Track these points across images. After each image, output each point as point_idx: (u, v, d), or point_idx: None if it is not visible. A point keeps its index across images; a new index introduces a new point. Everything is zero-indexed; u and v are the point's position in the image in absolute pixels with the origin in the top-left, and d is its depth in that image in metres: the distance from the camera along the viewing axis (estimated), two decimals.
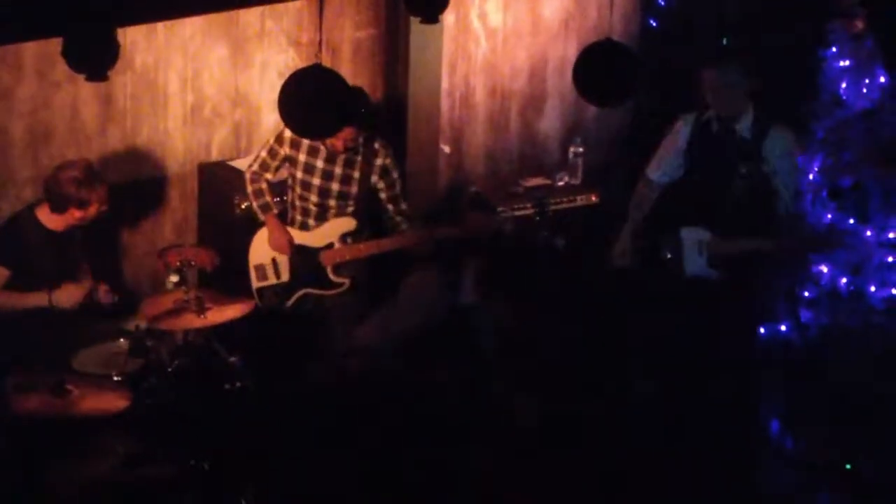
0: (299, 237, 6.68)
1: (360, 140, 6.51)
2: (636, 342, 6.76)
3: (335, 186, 6.59)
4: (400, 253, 6.66)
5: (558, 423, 6.21)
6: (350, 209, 6.63)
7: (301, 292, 6.71)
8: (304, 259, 6.67)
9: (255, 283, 6.74)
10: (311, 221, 6.67)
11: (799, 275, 7.37)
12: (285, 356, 6.55)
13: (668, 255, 6.51)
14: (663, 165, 6.61)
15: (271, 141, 6.66)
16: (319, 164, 6.57)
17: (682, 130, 6.52)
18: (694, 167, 6.48)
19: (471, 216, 7.08)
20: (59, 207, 6.11)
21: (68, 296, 6.15)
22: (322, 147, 6.52)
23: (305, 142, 6.54)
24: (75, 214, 6.12)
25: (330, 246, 6.65)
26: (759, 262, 6.55)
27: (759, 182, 6.28)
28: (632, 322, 6.76)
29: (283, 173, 6.72)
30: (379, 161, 6.59)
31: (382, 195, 6.65)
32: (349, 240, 6.66)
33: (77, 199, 6.08)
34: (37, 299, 6.10)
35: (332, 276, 6.66)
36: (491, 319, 6.29)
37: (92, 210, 6.14)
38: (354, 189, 6.59)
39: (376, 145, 6.60)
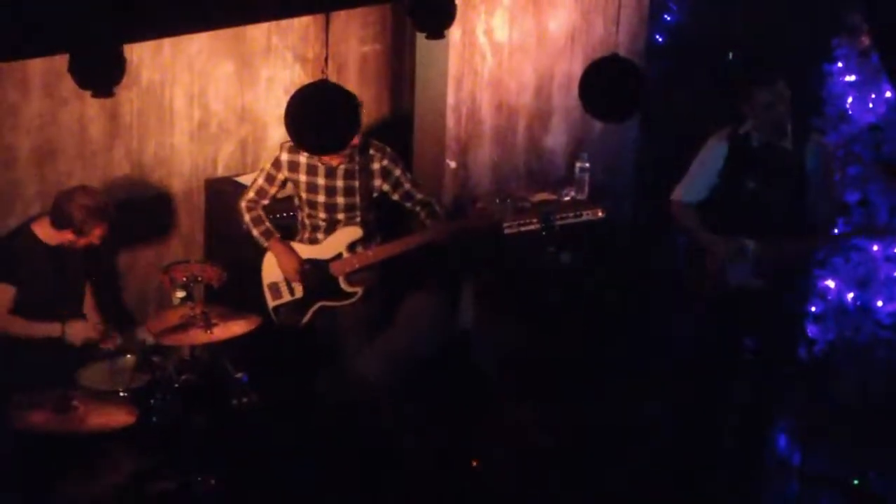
0: (308, 251, 6.68)
1: (355, 150, 6.51)
2: (651, 356, 6.78)
3: (340, 200, 6.60)
4: (410, 255, 6.65)
5: (562, 443, 6.21)
6: (357, 218, 6.64)
7: (316, 306, 6.71)
8: (315, 272, 6.68)
9: (271, 302, 6.74)
10: (319, 235, 6.68)
11: (801, 289, 7.37)
12: (295, 371, 6.55)
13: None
14: (697, 186, 6.51)
15: (268, 167, 6.64)
16: (321, 181, 6.57)
17: (717, 148, 6.44)
18: (735, 181, 6.41)
19: (471, 212, 7.12)
20: (58, 224, 6.12)
21: (79, 333, 6.16)
22: (319, 164, 6.52)
23: (303, 162, 6.53)
24: (67, 236, 6.13)
25: (339, 257, 6.66)
26: (801, 269, 6.57)
27: (802, 190, 6.28)
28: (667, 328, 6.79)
29: (288, 190, 6.72)
30: (376, 165, 6.58)
31: (394, 196, 6.64)
32: (357, 248, 6.67)
33: (77, 225, 6.08)
34: (49, 330, 6.11)
35: (344, 286, 6.67)
36: (491, 341, 6.26)
37: (83, 241, 6.15)
38: (358, 199, 6.60)
39: (371, 150, 6.58)
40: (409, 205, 6.67)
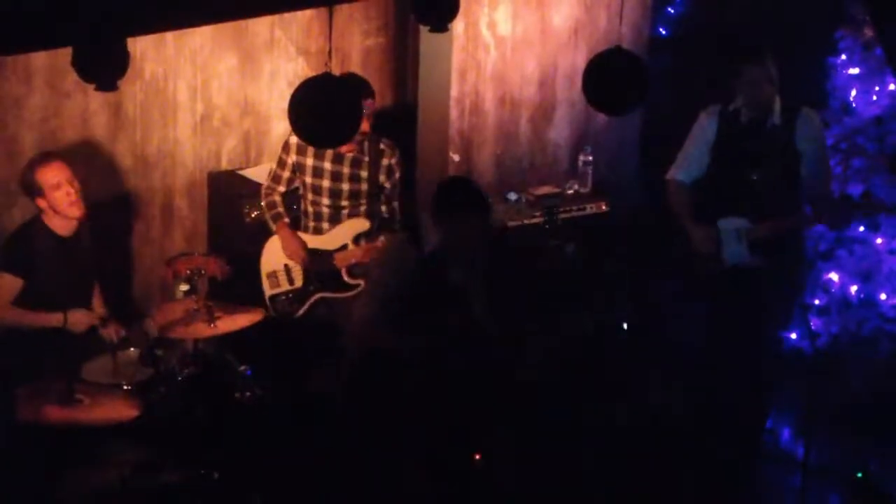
0: (313, 241, 6.71)
1: (365, 140, 6.55)
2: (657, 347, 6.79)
3: (345, 186, 6.64)
4: None
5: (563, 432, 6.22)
6: (363, 208, 6.68)
7: (315, 297, 6.73)
8: (317, 262, 6.70)
9: (268, 291, 6.76)
10: (324, 225, 6.71)
11: (804, 282, 7.37)
12: (297, 364, 6.56)
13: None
14: (690, 163, 6.59)
15: (279, 152, 6.71)
16: (327, 165, 6.62)
17: (708, 124, 6.51)
18: (725, 159, 6.47)
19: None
20: (31, 199, 6.17)
21: (82, 321, 6.20)
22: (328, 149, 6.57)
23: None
24: (41, 204, 6.15)
25: (344, 248, 6.68)
26: (797, 246, 6.57)
27: (793, 166, 6.32)
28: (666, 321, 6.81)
29: (296, 182, 6.75)
30: (385, 161, 6.67)
31: (382, 195, 6.72)
32: (362, 241, 6.68)
33: (30, 187, 6.13)
34: (51, 319, 6.13)
35: (346, 278, 6.69)
36: (482, 287, 6.25)
37: (53, 195, 6.12)
38: (364, 187, 6.65)
39: (382, 145, 6.67)
40: (383, 208, 6.76)
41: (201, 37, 7.03)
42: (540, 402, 6.17)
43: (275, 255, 6.74)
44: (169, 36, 6.90)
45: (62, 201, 6.14)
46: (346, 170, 6.63)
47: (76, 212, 6.18)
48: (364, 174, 6.63)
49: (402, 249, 6.19)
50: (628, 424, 6.50)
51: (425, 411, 5.93)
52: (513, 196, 7.75)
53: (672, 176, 6.67)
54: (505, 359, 6.14)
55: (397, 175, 6.73)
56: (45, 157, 6.23)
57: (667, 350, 6.82)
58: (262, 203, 6.77)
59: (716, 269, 6.50)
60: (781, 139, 6.33)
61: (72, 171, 6.19)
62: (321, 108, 5.03)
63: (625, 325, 6.94)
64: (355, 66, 7.52)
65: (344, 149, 6.56)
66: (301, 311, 6.75)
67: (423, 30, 6.98)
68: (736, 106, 6.43)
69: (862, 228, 7.38)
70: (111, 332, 6.26)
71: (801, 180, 6.35)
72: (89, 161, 6.80)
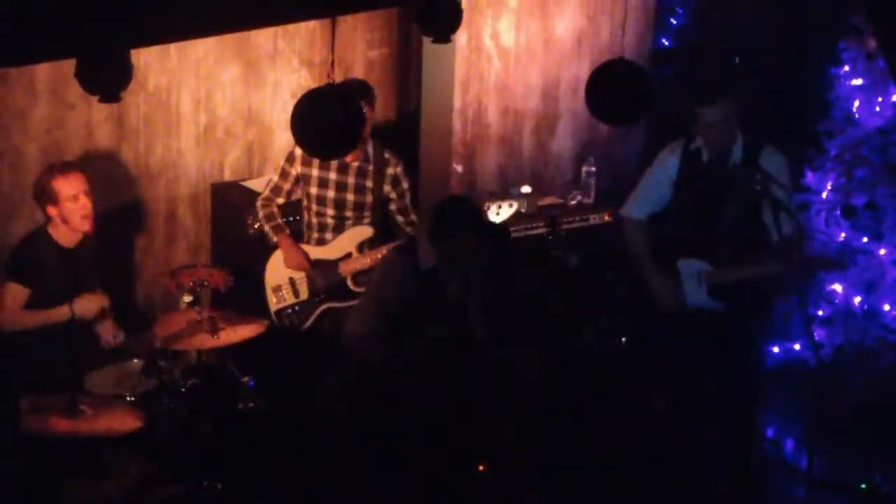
0: (317, 252, 6.71)
1: (370, 150, 6.56)
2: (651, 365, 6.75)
3: (350, 197, 6.65)
4: None
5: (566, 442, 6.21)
6: (367, 219, 6.69)
7: (322, 308, 6.73)
8: (322, 273, 6.69)
9: (274, 306, 6.75)
10: (328, 236, 6.72)
11: (807, 293, 7.34)
12: (300, 374, 6.55)
13: None
14: (647, 199, 6.49)
15: (282, 163, 6.71)
16: (332, 175, 6.63)
17: (669, 161, 6.43)
18: (685, 197, 6.39)
19: None
20: (41, 207, 6.15)
21: (88, 306, 6.18)
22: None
23: None
24: (52, 213, 6.14)
25: (348, 256, 6.68)
26: (761, 288, 6.48)
27: (753, 206, 6.19)
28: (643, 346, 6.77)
29: (298, 193, 6.76)
30: (390, 171, 6.68)
31: (392, 206, 6.74)
32: (366, 248, 6.69)
33: (43, 193, 6.10)
34: (60, 313, 6.13)
35: (352, 286, 6.69)
36: (480, 300, 6.23)
37: (67, 206, 6.12)
38: (369, 198, 6.65)
39: (386, 155, 6.69)
40: (401, 218, 6.76)
41: (205, 48, 7.05)
42: (538, 413, 6.17)
43: (279, 270, 6.74)
44: (172, 47, 6.91)
45: (76, 213, 6.14)
46: (350, 180, 6.64)
47: (86, 226, 6.18)
48: (369, 184, 6.64)
49: (405, 261, 6.18)
50: (626, 434, 6.50)
51: (423, 424, 5.93)
52: (515, 191, 7.73)
53: (627, 213, 6.56)
54: (502, 371, 6.12)
55: (405, 185, 6.73)
56: (65, 167, 6.21)
57: (660, 362, 6.78)
58: (260, 215, 6.75)
59: (677, 308, 6.42)
60: (744, 178, 6.16)
61: (89, 185, 6.19)
62: (323, 119, 5.03)
63: (623, 339, 6.91)
64: (358, 77, 7.53)
65: (349, 158, 6.58)
66: (308, 323, 6.75)
67: (427, 41, 6.98)
68: (697, 145, 6.35)
69: (865, 239, 7.38)
70: (108, 333, 6.24)
71: (765, 223, 6.17)
72: (93, 172, 6.80)
